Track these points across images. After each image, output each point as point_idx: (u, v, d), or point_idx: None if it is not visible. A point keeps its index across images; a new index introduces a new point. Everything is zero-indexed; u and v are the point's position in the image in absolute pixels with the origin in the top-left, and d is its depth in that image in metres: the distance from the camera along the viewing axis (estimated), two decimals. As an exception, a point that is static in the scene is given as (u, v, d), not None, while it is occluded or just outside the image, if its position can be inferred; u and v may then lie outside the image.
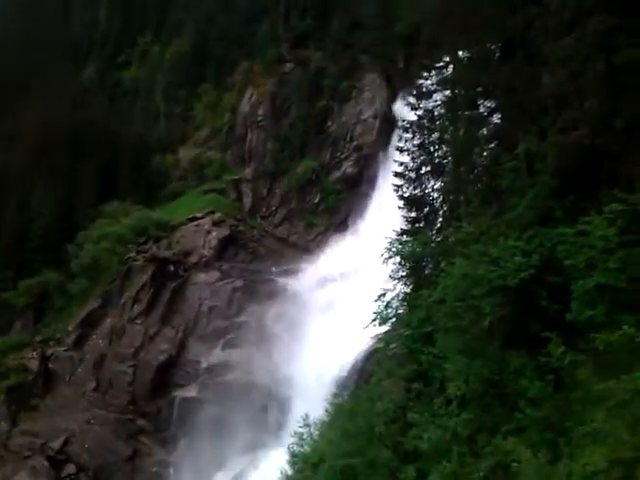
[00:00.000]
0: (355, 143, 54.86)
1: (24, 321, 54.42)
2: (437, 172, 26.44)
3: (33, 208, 57.35)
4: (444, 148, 26.48)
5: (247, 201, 57.84)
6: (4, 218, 56.96)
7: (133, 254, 52.40)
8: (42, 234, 55.97)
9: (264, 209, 56.77)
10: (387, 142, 50.29)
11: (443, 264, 21.04)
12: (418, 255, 23.88)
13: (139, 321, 48.76)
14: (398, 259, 24.14)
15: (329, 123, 56.66)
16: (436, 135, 26.93)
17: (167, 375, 46.42)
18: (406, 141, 27.38)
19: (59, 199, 57.64)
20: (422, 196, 26.58)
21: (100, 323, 50.17)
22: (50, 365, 47.99)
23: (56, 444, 43.17)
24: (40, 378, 47.47)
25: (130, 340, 47.98)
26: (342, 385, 34.67)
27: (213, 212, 55.16)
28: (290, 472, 27.00)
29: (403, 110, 34.70)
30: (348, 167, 53.96)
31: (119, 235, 53.50)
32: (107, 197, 58.48)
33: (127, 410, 45.17)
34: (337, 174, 54.14)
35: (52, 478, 42.07)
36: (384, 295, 24.17)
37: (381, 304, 23.98)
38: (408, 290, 24.08)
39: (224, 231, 53.65)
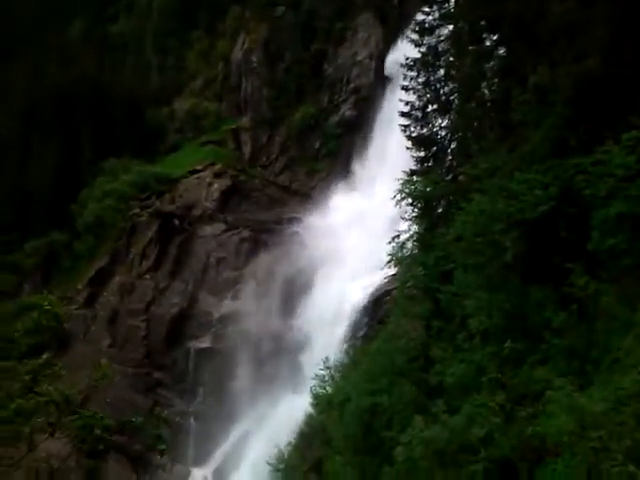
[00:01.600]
0: (352, 85, 54.02)
1: (33, 282, 54.67)
2: (444, 110, 26.10)
3: (33, 170, 57.00)
4: (450, 85, 26.09)
5: (246, 151, 57.29)
6: (6, 182, 56.66)
7: (137, 210, 52.33)
8: (44, 195, 55.81)
9: (264, 158, 56.27)
10: (386, 83, 49.54)
11: (458, 202, 21.02)
12: (430, 195, 23.84)
13: (148, 276, 49.07)
14: (409, 200, 24.12)
15: (325, 67, 55.64)
16: (441, 72, 26.52)
17: (180, 327, 46.97)
18: (411, 79, 26.92)
19: (57, 159, 57.21)
20: (430, 135, 26.30)
21: (109, 280, 50.46)
22: (64, 324, 48.42)
23: (76, 401, 43.92)
24: (52, 339, 47.97)
25: (141, 295, 48.38)
26: (355, 328, 35.10)
27: (213, 164, 54.77)
28: (314, 413, 27.62)
29: (402, 49, 34.00)
30: (347, 110, 53.25)
31: (121, 192, 53.32)
32: (105, 154, 58.01)
33: (144, 364, 45.87)
34: (336, 118, 53.41)
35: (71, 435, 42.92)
36: (398, 237, 24.30)
37: (395, 246, 24.12)
38: (422, 231, 24.13)
39: (226, 182, 53.42)
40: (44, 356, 9.55)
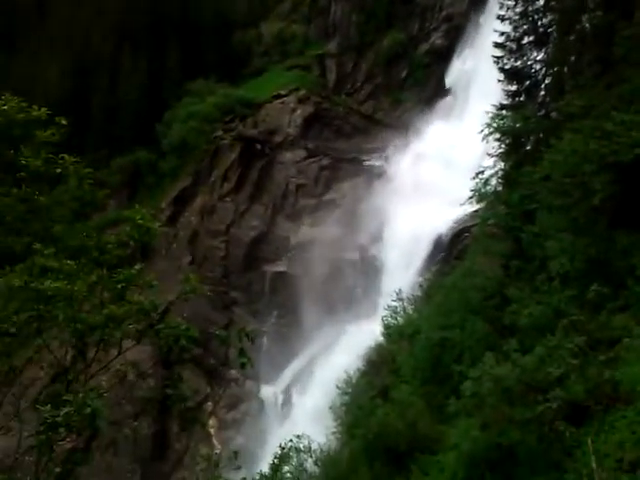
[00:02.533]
0: (444, 13, 52.08)
1: (118, 198, 56.53)
2: (541, 42, 24.95)
3: (122, 89, 58.15)
4: (549, 16, 24.83)
5: (331, 77, 56.50)
6: (96, 100, 58.09)
7: (220, 133, 52.90)
8: (132, 113, 56.99)
9: (349, 85, 55.42)
10: (479, 11, 47.49)
11: (548, 139, 20.30)
12: (519, 131, 23.12)
13: (229, 199, 50.02)
14: (497, 135, 23.47)
15: (416, -8, 53.74)
16: (541, 2, 25.20)
17: (257, 250, 48.01)
18: (508, 9, 25.75)
19: (145, 79, 58.11)
20: (524, 68, 25.28)
21: (191, 201, 51.73)
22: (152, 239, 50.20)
23: (156, 314, 45.98)
24: (137, 253, 50.01)
25: (221, 217, 49.51)
26: (431, 262, 34.96)
27: (297, 89, 54.37)
28: (384, 342, 28.03)
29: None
30: (437, 39, 51.49)
31: (205, 114, 53.83)
32: (192, 75, 58.48)
33: (221, 283, 47.31)
34: (425, 46, 51.77)
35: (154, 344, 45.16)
36: (482, 172, 23.79)
37: (479, 181, 23.65)
38: (507, 168, 23.53)
39: (309, 109, 53.12)
40: (136, 267, 9.93)
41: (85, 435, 9.85)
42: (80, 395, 8.26)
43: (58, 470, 8.66)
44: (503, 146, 23.53)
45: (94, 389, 8.65)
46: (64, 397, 8.36)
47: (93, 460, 9.99)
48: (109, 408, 8.82)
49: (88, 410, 8.11)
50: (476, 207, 27.10)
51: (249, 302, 47.37)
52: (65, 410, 8.07)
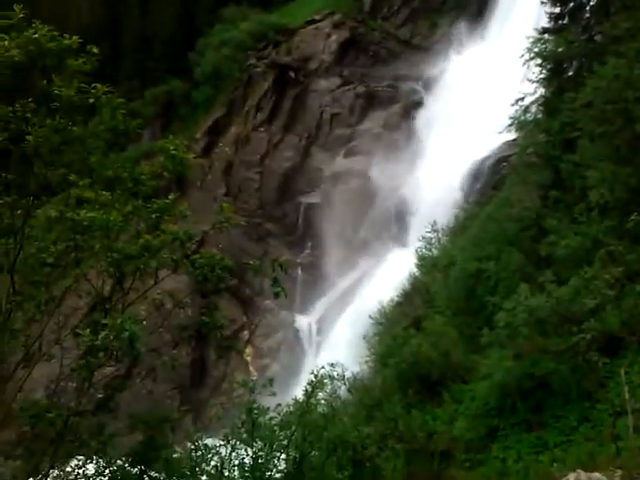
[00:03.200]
0: None
1: (152, 130, 56.44)
2: (587, -39, 23.71)
3: (154, 16, 57.30)
4: None
5: (367, 0, 54.79)
6: (128, 28, 57.43)
7: (253, 61, 52.01)
8: (164, 42, 56.30)
9: (385, 9, 53.47)
10: None
11: (591, 65, 19.51)
12: (561, 55, 22.24)
13: (262, 129, 49.61)
14: (538, 60, 22.61)
15: None
16: None
17: (292, 182, 47.83)
18: None
19: (178, 5, 57.10)
20: (568, -11, 24.12)
21: (225, 131, 51.47)
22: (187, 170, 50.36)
23: (193, 244, 46.59)
24: (172, 184, 50.27)
25: (255, 148, 49.25)
26: (469, 192, 34.48)
27: (332, 13, 52.82)
28: (417, 273, 28.06)
29: None
30: (479, -41, 49.15)
31: (238, 41, 52.86)
32: (224, 1, 57.27)
33: (256, 214, 47.47)
34: (466, -33, 49.57)
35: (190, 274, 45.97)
36: (522, 99, 23.10)
37: (518, 109, 23.00)
38: (548, 94, 22.77)
39: (344, 34, 51.70)
40: (170, 196, 9.98)
41: (125, 362, 10.17)
42: (118, 320, 8.45)
43: (99, 396, 8.98)
44: (544, 72, 22.70)
45: (131, 316, 8.85)
46: (103, 322, 8.57)
47: (134, 386, 10.32)
48: (147, 336, 9.04)
49: (126, 334, 8.32)
50: (515, 135, 26.47)
51: (283, 233, 47.56)
52: (103, 334, 8.28)
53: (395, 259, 36.87)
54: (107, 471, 10.15)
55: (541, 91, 22.83)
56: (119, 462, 10.18)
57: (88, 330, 8.50)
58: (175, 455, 11.23)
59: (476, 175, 35.43)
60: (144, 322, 9.48)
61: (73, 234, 8.94)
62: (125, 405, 10.53)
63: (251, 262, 11.53)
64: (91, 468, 10.12)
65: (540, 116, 22.63)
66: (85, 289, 9.73)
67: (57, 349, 9.55)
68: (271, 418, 13.06)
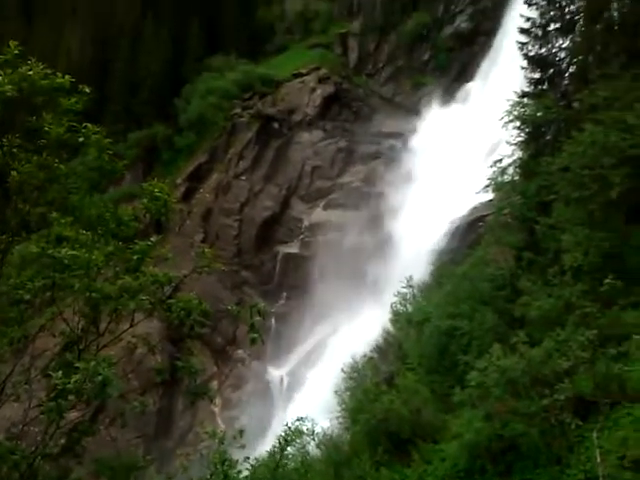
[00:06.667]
0: (470, -4, 51.26)
1: (134, 172, 56.48)
2: (567, 30, 24.57)
3: (143, 62, 57.93)
4: (577, 3, 24.46)
5: (353, 57, 55.99)
6: (114, 72, 57.91)
7: (238, 110, 52.79)
8: (150, 87, 56.78)
9: (370, 66, 54.90)
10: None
11: (569, 130, 20.08)
12: (540, 120, 22.86)
13: (244, 177, 49.99)
14: (517, 123, 23.22)
15: (444, -26, 52.81)
16: (569, -12, 24.81)
17: (270, 231, 48.02)
18: (535, -6, 25.38)
19: (166, 52, 57.86)
20: (548, 55, 24.91)
21: (207, 177, 51.73)
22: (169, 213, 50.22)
23: (167, 289, 46.17)
24: (151, 228, 50.03)
25: (235, 195, 49.52)
26: (444, 250, 34.79)
27: (318, 68, 54.02)
28: (392, 329, 28.03)
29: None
30: (462, 22, 50.51)
31: (225, 90, 53.70)
32: (212, 51, 58.24)
33: (232, 262, 47.32)
34: (450, 30, 50.88)
35: (162, 319, 45.40)
36: (500, 161, 23.60)
37: (496, 170, 23.47)
38: (526, 157, 23.32)
39: (329, 89, 52.78)
40: (152, 239, 9.95)
41: (92, 406, 9.93)
42: (92, 363, 8.32)
43: (62, 441, 8.75)
44: (522, 135, 23.30)
45: (105, 359, 8.71)
46: (76, 364, 8.42)
47: (98, 432, 10.10)
48: (117, 381, 8.88)
49: (99, 378, 8.17)
50: (492, 196, 26.93)
51: (259, 282, 47.45)
52: (77, 377, 8.13)
53: (370, 313, 36.80)
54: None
55: (519, 154, 23.37)
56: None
57: (60, 372, 8.34)
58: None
59: (453, 233, 35.85)
60: (115, 366, 9.31)
61: (52, 272, 8.86)
62: (88, 451, 10.26)
63: (229, 307, 11.41)
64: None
65: (517, 178, 23.12)
66: (59, 328, 9.58)
67: (23, 390, 9.33)
68: (239, 472, 12.76)
